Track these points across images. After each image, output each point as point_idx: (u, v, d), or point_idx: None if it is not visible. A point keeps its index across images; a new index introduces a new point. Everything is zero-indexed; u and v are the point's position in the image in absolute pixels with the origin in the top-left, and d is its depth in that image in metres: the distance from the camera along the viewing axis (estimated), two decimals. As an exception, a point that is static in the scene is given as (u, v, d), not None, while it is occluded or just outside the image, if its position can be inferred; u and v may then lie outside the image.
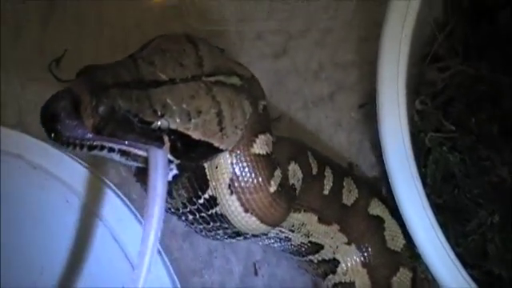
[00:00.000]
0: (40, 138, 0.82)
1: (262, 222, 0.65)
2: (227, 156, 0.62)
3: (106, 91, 0.55)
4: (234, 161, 0.62)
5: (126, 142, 0.58)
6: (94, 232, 0.81)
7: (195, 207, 0.66)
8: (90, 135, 0.56)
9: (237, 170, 0.62)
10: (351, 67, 0.89)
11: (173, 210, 0.68)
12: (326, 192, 0.73)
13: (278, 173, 0.64)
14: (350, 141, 0.88)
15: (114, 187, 0.83)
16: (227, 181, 0.62)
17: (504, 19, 0.70)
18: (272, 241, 0.74)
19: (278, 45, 0.90)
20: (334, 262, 0.75)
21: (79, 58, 0.88)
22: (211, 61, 0.61)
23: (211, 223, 0.67)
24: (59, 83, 0.86)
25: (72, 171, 0.82)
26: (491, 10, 0.71)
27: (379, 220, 0.76)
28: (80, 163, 0.82)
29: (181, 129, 0.57)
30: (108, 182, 0.83)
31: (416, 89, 0.72)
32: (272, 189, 0.64)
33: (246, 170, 0.63)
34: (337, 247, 0.74)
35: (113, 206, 0.82)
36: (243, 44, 0.90)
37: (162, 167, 0.58)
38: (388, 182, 0.70)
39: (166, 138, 0.58)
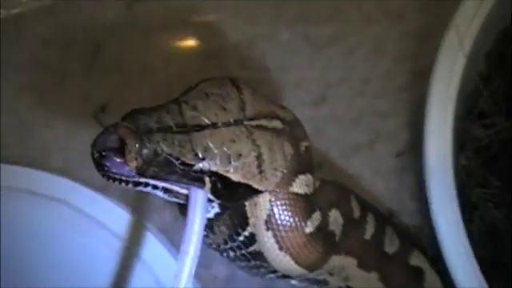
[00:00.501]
0: (85, 184, 0.84)
1: (296, 262, 0.65)
2: (266, 193, 0.63)
3: (149, 135, 0.56)
4: (273, 198, 0.63)
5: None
6: (137, 277, 0.82)
7: (236, 244, 0.67)
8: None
9: (274, 207, 0.63)
10: (389, 116, 0.90)
11: (214, 245, 0.69)
12: (367, 237, 0.73)
13: (316, 215, 0.65)
14: (389, 188, 0.88)
15: (157, 233, 0.84)
16: (265, 217, 0.64)
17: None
18: (311, 282, 0.75)
19: (317, 93, 0.91)
20: None
21: (123, 105, 0.88)
22: (253, 105, 0.62)
23: (251, 261, 0.69)
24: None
25: (116, 217, 0.83)
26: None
27: (419, 271, 0.76)
28: (124, 209, 0.84)
29: (221, 171, 0.59)
30: (151, 227, 0.84)
31: (461, 144, 0.73)
32: (308, 230, 0.64)
33: (283, 207, 0.64)
34: None
35: (156, 251, 0.83)
36: (283, 92, 0.91)
37: (200, 206, 0.61)
38: (430, 234, 0.70)
39: (206, 179, 0.60)
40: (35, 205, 0.83)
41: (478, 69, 0.76)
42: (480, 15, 0.72)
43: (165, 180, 0.60)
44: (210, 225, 0.64)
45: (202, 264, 0.80)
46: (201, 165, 0.58)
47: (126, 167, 0.58)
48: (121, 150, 0.57)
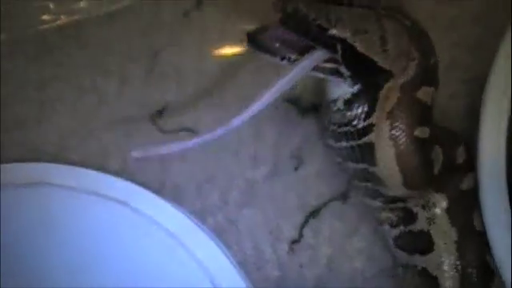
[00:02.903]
0: (144, 186, 0.87)
1: (397, 160, 0.74)
2: (397, 92, 0.73)
3: None
4: (400, 95, 0.73)
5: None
6: (192, 276, 0.85)
7: (355, 129, 0.75)
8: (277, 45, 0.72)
9: (399, 103, 0.73)
10: (441, 123, 0.91)
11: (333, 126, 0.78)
12: (463, 188, 0.79)
13: (426, 129, 0.74)
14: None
15: (211, 234, 0.87)
16: (389, 109, 0.73)
17: None
18: (402, 212, 0.80)
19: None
20: None
21: (179, 110, 0.92)
22: (390, 5, 0.74)
23: (359, 154, 0.76)
24: (162, 134, 0.91)
25: (172, 218, 0.86)
26: None
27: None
28: (180, 210, 0.86)
29: (349, 40, 0.69)
30: (206, 229, 0.87)
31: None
32: (416, 133, 0.73)
33: (405, 105, 0.73)
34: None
35: (211, 251, 0.86)
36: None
37: (308, 62, 0.72)
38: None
39: (338, 46, 0.70)
40: (96, 205, 0.86)
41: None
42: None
43: (303, 37, 0.70)
44: (348, 100, 0.75)
45: (255, 264, 0.83)
46: (334, 31, 0.69)
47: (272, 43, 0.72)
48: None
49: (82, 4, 0.95)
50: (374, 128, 0.74)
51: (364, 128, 0.74)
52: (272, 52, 0.74)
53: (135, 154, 0.77)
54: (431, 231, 0.78)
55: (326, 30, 0.69)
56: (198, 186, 0.91)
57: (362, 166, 0.77)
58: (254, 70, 0.94)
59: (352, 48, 0.70)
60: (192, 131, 0.92)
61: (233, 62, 0.95)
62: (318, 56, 0.72)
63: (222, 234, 0.89)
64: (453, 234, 0.78)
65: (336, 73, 0.74)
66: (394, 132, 0.73)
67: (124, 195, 0.86)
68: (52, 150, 0.92)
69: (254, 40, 0.74)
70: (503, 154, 0.71)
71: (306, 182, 0.91)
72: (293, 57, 0.73)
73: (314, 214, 0.90)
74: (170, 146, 0.76)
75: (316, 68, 0.73)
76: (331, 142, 0.80)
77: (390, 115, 0.73)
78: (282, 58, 0.73)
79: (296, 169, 0.91)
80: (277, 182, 0.91)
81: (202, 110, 0.93)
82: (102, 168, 0.89)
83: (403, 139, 0.73)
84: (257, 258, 0.89)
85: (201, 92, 0.94)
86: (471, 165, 0.79)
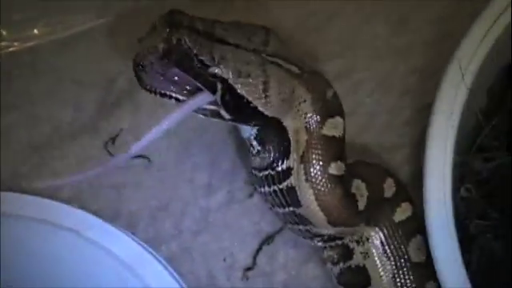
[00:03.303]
0: (97, 214, 0.86)
1: (317, 201, 0.73)
2: (304, 134, 0.72)
3: (178, 27, 0.67)
4: (308, 138, 0.73)
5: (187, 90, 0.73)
6: (146, 306, 0.84)
7: (273, 173, 0.76)
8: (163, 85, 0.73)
9: (308, 145, 0.73)
10: (395, 150, 0.92)
11: (257, 169, 0.78)
12: (396, 220, 0.78)
13: (341, 165, 0.74)
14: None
15: (164, 263, 0.86)
16: (301, 151, 0.73)
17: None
18: (339, 248, 0.80)
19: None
20: None
21: (133, 136, 0.92)
22: (276, 47, 0.73)
23: (282, 198, 0.76)
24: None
25: (125, 247, 0.84)
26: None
27: None
28: (133, 239, 0.85)
29: (231, 81, 0.68)
30: (159, 257, 0.86)
31: (461, 176, 0.75)
32: (330, 170, 0.72)
33: (314, 146, 0.73)
34: None
35: (163, 280, 0.84)
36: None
37: (194, 103, 0.72)
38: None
39: (218, 86, 0.69)
40: (46, 233, 0.84)
41: (480, 104, 0.77)
42: (482, 50, 0.74)
43: (184, 73, 0.70)
44: (261, 142, 0.75)
45: None
46: (216, 69, 0.68)
47: (157, 80, 0.72)
48: (151, 35, 0.69)
49: (35, 31, 0.95)
50: (293, 171, 0.74)
51: (283, 171, 0.75)
52: (159, 88, 0.74)
53: (41, 184, 0.80)
54: (367, 265, 0.78)
55: (208, 66, 0.68)
56: (152, 214, 0.90)
57: (288, 209, 0.77)
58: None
59: (233, 90, 0.69)
60: (147, 158, 0.91)
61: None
62: (201, 99, 0.72)
63: (176, 262, 0.87)
64: (388, 267, 0.77)
65: (217, 115, 0.74)
66: (309, 174, 0.73)
67: (76, 224, 0.85)
68: (5, 177, 0.90)
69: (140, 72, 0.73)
70: (449, 176, 0.70)
71: (261, 209, 0.90)
72: (180, 97, 0.73)
73: (268, 240, 0.89)
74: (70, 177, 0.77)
75: (198, 110, 0.73)
76: (257, 187, 0.81)
77: (303, 158, 0.73)
78: (170, 97, 0.74)
79: (251, 195, 0.90)
80: (231, 209, 0.91)
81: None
82: (54, 196, 0.87)
83: (319, 179, 0.73)
84: (211, 285, 0.88)
85: (155, 118, 0.93)
86: (404, 196, 0.79)
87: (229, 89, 0.69)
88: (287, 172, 0.74)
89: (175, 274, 0.85)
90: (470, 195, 0.73)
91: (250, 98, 0.70)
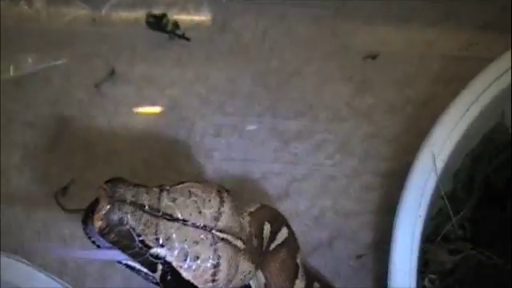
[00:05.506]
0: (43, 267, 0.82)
1: None
2: None
3: (121, 204, 0.60)
4: None
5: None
6: None
7: None
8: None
9: None
10: (352, 216, 0.90)
11: None
12: None
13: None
14: (348, 290, 0.89)
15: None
16: None
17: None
18: None
19: (281, 187, 0.92)
20: None
21: (85, 187, 0.89)
22: (228, 220, 0.65)
23: None
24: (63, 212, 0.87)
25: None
26: (503, 197, 0.74)
27: None
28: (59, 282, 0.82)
29: (175, 264, 0.62)
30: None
31: (424, 263, 0.74)
32: None
33: None
34: None
35: None
36: (247, 184, 0.91)
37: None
38: None
39: (159, 267, 0.63)
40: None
41: (445, 189, 0.77)
42: (454, 136, 0.74)
43: (122, 252, 0.63)
44: None
45: None
46: (159, 250, 0.62)
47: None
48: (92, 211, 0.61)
49: (-14, 69, 0.91)
50: None
51: None
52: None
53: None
54: None
55: (150, 247, 0.62)
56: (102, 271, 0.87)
57: None
58: (166, 146, 0.93)
59: (176, 273, 0.63)
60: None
61: (144, 138, 0.92)
62: (113, 255, 0.65)
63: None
64: None
65: (152, 282, 0.67)
66: None
67: (17, 278, 0.81)
68: None
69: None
70: (415, 266, 0.69)
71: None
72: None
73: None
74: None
75: (130, 266, 0.66)
76: None
77: None
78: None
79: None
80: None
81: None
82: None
83: None
84: None
85: (110, 169, 0.91)
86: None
87: (172, 271, 0.63)
88: None
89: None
90: (433, 286, 0.73)
91: (196, 283, 0.63)
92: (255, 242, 0.69)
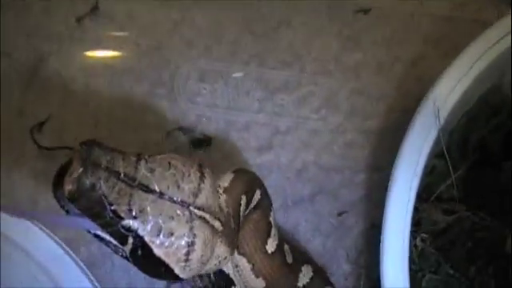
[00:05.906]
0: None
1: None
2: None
3: (95, 168, 0.57)
4: None
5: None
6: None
7: None
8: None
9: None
10: (334, 172, 0.89)
11: None
12: (299, 284, 0.75)
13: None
14: (326, 247, 0.87)
15: (82, 265, 0.80)
16: None
17: (508, 170, 0.72)
18: None
19: (264, 139, 0.89)
20: None
21: (61, 125, 0.85)
22: (207, 197, 0.62)
23: None
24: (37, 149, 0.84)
25: (42, 246, 0.79)
26: (497, 159, 0.74)
27: None
28: (52, 239, 0.79)
29: (147, 238, 0.58)
30: (77, 259, 0.80)
31: (416, 222, 0.73)
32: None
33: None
34: None
35: (80, 284, 0.79)
36: (230, 133, 0.89)
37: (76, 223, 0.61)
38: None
39: (130, 240, 0.59)
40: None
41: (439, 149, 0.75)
42: (456, 92, 0.72)
43: (92, 220, 0.59)
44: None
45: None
46: (131, 222, 0.58)
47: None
48: (62, 173, 0.57)
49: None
50: None
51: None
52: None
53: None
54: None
55: (122, 218, 0.58)
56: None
57: None
58: (147, 87, 0.89)
59: (147, 248, 0.59)
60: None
61: (124, 75, 0.89)
62: (83, 223, 0.60)
63: (94, 267, 0.82)
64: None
65: (121, 255, 0.63)
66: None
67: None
68: None
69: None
70: (409, 222, 0.68)
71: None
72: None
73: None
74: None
75: (98, 236, 0.62)
76: None
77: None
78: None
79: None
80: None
81: (86, 131, 0.86)
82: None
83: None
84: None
85: (87, 109, 0.87)
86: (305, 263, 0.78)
87: (142, 246, 0.59)
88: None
89: (92, 277, 0.80)
90: (424, 246, 0.72)
91: (168, 261, 0.60)
92: (232, 224, 0.65)
